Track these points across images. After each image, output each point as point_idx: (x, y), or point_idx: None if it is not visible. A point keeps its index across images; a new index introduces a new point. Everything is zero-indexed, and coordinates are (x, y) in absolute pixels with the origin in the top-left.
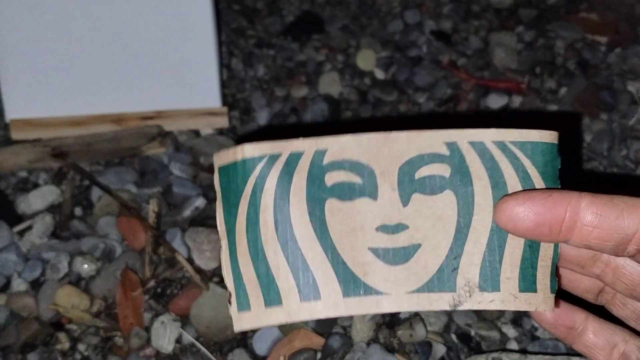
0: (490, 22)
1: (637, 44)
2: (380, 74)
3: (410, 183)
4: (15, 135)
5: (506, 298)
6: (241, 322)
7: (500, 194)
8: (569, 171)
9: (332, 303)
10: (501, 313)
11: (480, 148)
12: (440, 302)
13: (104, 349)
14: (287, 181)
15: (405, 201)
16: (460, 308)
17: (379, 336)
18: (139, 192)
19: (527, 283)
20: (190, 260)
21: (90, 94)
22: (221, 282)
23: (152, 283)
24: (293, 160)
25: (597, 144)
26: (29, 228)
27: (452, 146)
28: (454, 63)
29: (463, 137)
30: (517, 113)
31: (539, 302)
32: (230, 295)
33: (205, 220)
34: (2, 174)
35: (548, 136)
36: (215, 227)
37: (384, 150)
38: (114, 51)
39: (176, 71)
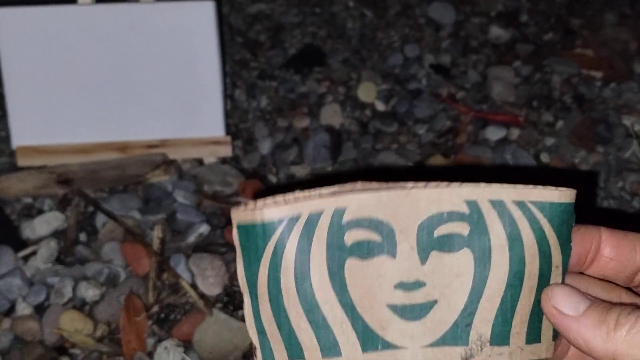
0: (488, 56)
1: (631, 80)
2: (380, 106)
3: (428, 240)
4: (21, 161)
5: (514, 351)
6: None
7: (517, 253)
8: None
9: (351, 359)
10: None
11: (500, 207)
12: (453, 355)
13: None
14: (307, 242)
15: (423, 259)
16: None
17: None
18: (143, 219)
19: (533, 335)
20: (194, 286)
21: (95, 122)
22: (225, 308)
23: (155, 308)
24: (313, 221)
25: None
26: (34, 253)
27: (472, 204)
28: (453, 96)
29: (483, 195)
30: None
31: (542, 351)
32: (255, 348)
33: (209, 246)
34: (8, 200)
35: (567, 196)
36: (219, 253)
37: (403, 207)
38: (120, 80)
39: (181, 100)
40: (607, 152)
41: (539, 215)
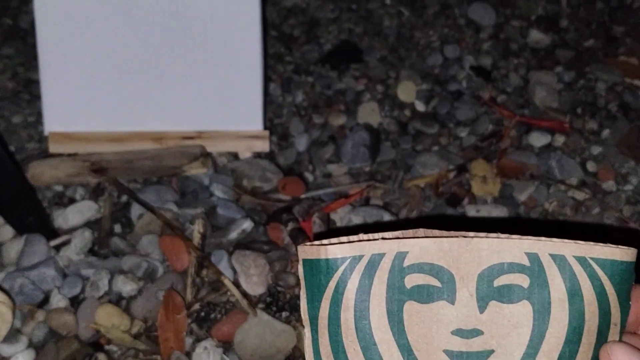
0: (528, 60)
1: None
2: (420, 106)
3: (488, 290)
4: (52, 148)
5: None
6: None
7: (577, 308)
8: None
9: None
10: None
11: (560, 261)
12: None
13: None
14: (369, 282)
15: (482, 308)
16: None
17: None
18: (180, 212)
19: None
20: (236, 284)
21: (131, 110)
22: (267, 309)
23: (196, 306)
24: (375, 262)
25: None
26: (66, 243)
27: (532, 257)
28: (494, 99)
29: (545, 248)
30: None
31: None
32: None
33: (251, 243)
34: (38, 187)
35: (628, 255)
36: (263, 251)
37: (464, 255)
38: (158, 69)
39: (220, 92)
40: None
41: (599, 272)
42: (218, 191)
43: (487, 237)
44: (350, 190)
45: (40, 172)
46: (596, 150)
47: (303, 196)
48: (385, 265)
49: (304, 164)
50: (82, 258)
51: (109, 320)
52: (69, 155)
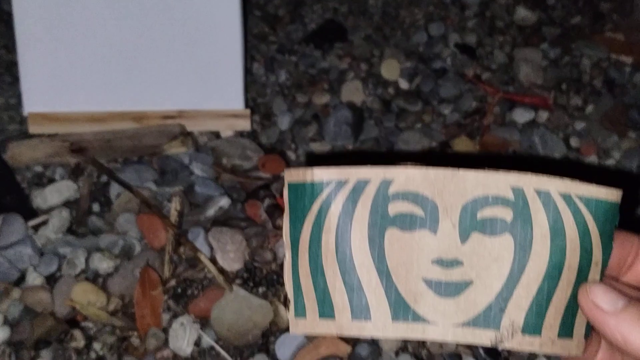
0: (514, 38)
1: None
2: (404, 84)
3: (471, 222)
4: (32, 129)
5: (545, 342)
6: (297, 327)
7: (559, 245)
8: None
9: (381, 325)
10: None
11: (545, 197)
12: (482, 338)
13: (119, 349)
14: (352, 207)
15: (463, 239)
16: (501, 346)
17: (407, 346)
18: (159, 190)
19: (566, 329)
20: (213, 261)
21: (111, 90)
22: (244, 284)
23: (172, 283)
24: (359, 188)
25: (626, 161)
26: (45, 223)
27: (517, 191)
28: (479, 77)
29: (530, 183)
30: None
31: (572, 347)
32: (289, 302)
33: (228, 220)
34: (18, 168)
35: (613, 195)
36: (240, 227)
37: (449, 186)
38: (138, 48)
39: (200, 71)
40: None
41: (584, 210)
42: (197, 170)
43: (474, 170)
44: None
45: (19, 153)
46: (579, 125)
47: (282, 174)
48: (369, 192)
49: (286, 143)
50: (60, 237)
51: (85, 297)
52: (49, 135)
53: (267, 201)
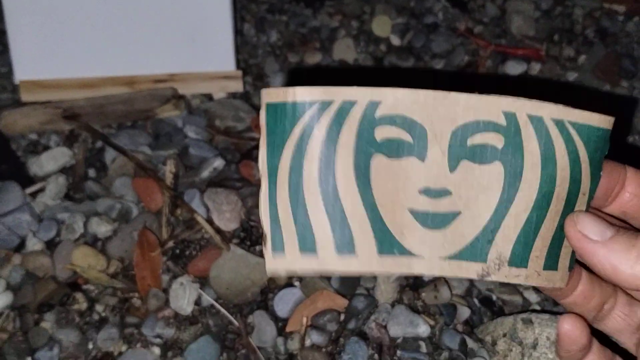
0: None
1: None
2: (396, 41)
3: (461, 148)
4: (25, 97)
5: (531, 275)
6: (274, 264)
7: (549, 173)
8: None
9: (366, 259)
10: None
11: (538, 123)
12: (469, 271)
13: (121, 310)
14: (336, 131)
15: (452, 167)
16: (487, 279)
17: (403, 297)
18: (154, 154)
19: (551, 262)
20: (209, 221)
21: (101, 55)
22: (241, 243)
23: (170, 244)
24: (345, 109)
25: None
26: (42, 190)
27: (509, 116)
28: (471, 30)
29: (523, 108)
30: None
31: (556, 279)
32: (265, 236)
33: (223, 181)
34: (12, 136)
35: (606, 121)
36: (235, 188)
37: (439, 110)
38: (126, 12)
39: (190, 33)
40: (632, 86)
41: (575, 137)
42: (191, 132)
43: (465, 93)
44: None
45: (12, 121)
46: (572, 76)
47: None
48: (355, 114)
49: None
50: (57, 203)
51: (85, 260)
52: (42, 103)
53: None
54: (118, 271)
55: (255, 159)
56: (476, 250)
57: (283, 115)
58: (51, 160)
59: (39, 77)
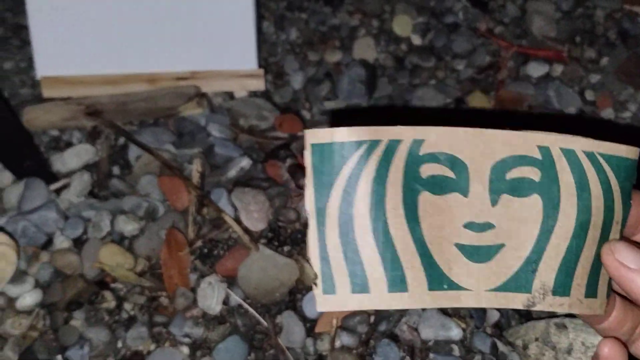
0: None
1: None
2: (417, 40)
3: (500, 183)
4: (46, 92)
5: (574, 303)
6: (326, 304)
7: (585, 203)
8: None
9: (418, 296)
10: None
11: (570, 155)
12: (515, 301)
13: (149, 309)
14: (385, 169)
15: (494, 201)
16: (533, 309)
17: None
18: (178, 152)
19: (591, 289)
20: (237, 221)
21: (123, 52)
22: (269, 244)
23: (198, 243)
24: (392, 148)
25: None
26: (66, 186)
27: (544, 150)
28: (491, 31)
29: (556, 142)
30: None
31: (596, 307)
32: (316, 277)
33: (250, 181)
34: (34, 132)
35: (633, 152)
36: (262, 187)
37: (479, 146)
38: (149, 9)
39: (213, 31)
40: None
41: (606, 167)
42: (215, 131)
43: (501, 130)
44: None
45: (34, 117)
46: (595, 78)
47: (300, 133)
48: (401, 153)
49: (300, 102)
50: (82, 200)
51: (112, 259)
52: (63, 99)
53: (288, 161)
54: (145, 270)
55: (282, 159)
56: (521, 280)
57: (330, 156)
58: (74, 157)
59: (60, 73)
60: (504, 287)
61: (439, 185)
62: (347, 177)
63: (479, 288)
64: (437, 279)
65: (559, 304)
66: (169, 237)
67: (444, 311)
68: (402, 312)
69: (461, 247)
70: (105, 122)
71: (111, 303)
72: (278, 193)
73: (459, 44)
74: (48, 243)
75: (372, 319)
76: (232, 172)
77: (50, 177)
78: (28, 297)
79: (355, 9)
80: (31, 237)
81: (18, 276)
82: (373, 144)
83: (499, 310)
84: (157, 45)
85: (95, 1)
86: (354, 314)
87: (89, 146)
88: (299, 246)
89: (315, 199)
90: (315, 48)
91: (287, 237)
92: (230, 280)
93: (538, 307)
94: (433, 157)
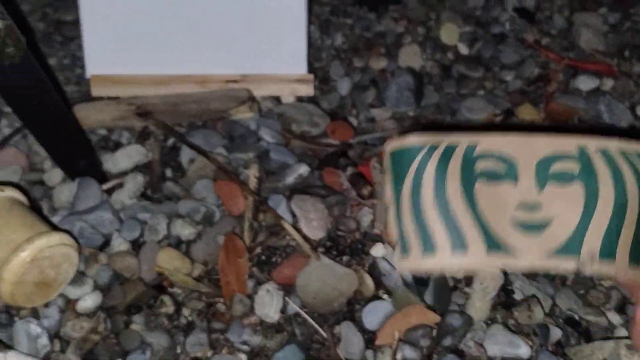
0: (570, 1)
1: None
2: (464, 49)
3: (545, 174)
4: (95, 91)
5: (619, 267)
6: (402, 265)
7: (620, 191)
8: None
9: (477, 256)
10: (607, 299)
11: (605, 153)
12: (567, 265)
13: (207, 315)
14: (444, 165)
15: (541, 187)
16: (583, 271)
17: (496, 316)
18: (232, 157)
19: (634, 258)
20: (296, 229)
21: (174, 53)
22: (327, 253)
23: (258, 250)
24: (449, 151)
25: None
26: (118, 187)
27: (582, 149)
28: (539, 42)
29: (592, 143)
30: None
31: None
32: (396, 244)
33: (307, 188)
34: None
35: None
36: (320, 195)
37: (525, 147)
38: (202, 11)
39: (264, 35)
40: None
41: (637, 162)
42: (267, 135)
43: (545, 135)
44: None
45: (85, 116)
46: None
47: (353, 141)
48: (458, 154)
49: (347, 108)
50: (134, 202)
51: (171, 263)
52: (114, 98)
53: (349, 170)
54: (202, 275)
55: (342, 168)
56: (570, 248)
57: (402, 157)
58: (126, 158)
59: (110, 72)
60: (556, 253)
61: (492, 177)
62: (415, 171)
63: (533, 254)
64: (494, 244)
65: (606, 267)
66: (228, 243)
67: (509, 328)
68: (467, 328)
69: (514, 223)
70: (158, 123)
71: (170, 308)
72: (337, 201)
73: (507, 55)
74: (104, 244)
75: (434, 332)
76: (290, 179)
77: (100, 176)
78: (89, 299)
79: (400, 16)
80: (88, 238)
81: (77, 277)
82: (433, 148)
83: (560, 327)
84: (208, 48)
85: (148, 2)
86: (415, 327)
87: (139, 147)
88: (358, 256)
89: (393, 191)
90: (360, 54)
91: (347, 246)
92: (287, 288)
93: (588, 270)
94: (486, 155)
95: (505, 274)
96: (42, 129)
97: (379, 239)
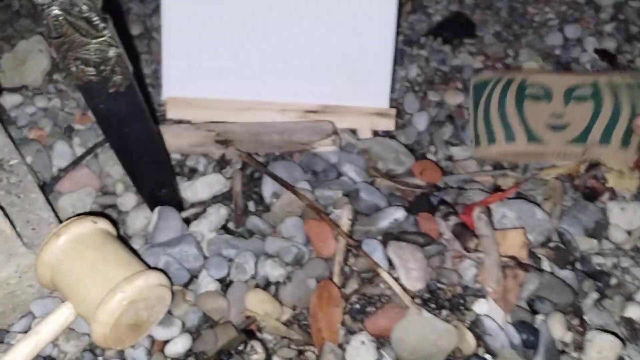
0: None
1: None
2: None
3: (569, 97)
4: (170, 114)
5: (613, 148)
6: (477, 152)
7: (619, 105)
8: None
9: (522, 145)
10: None
11: (610, 84)
12: (577, 149)
13: None
14: (505, 90)
15: (566, 103)
16: (590, 150)
17: None
18: (318, 193)
19: (625, 142)
20: (393, 277)
21: (253, 79)
22: (424, 305)
23: (354, 298)
24: (509, 82)
25: None
26: (195, 216)
27: (595, 83)
28: None
29: (601, 78)
30: None
31: (629, 155)
32: (476, 136)
33: (402, 234)
34: None
35: None
36: (418, 243)
37: (557, 82)
38: (284, 39)
39: (347, 65)
40: None
41: (637, 90)
42: (351, 172)
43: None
44: (476, 176)
45: None
46: None
47: (439, 183)
48: (515, 84)
49: (424, 145)
50: (215, 235)
51: (261, 306)
52: (192, 123)
53: (452, 219)
54: (290, 319)
55: (443, 217)
56: (581, 139)
57: (480, 88)
58: (206, 187)
59: (185, 95)
60: (572, 141)
61: (535, 97)
62: (486, 95)
63: (556, 143)
64: (533, 137)
65: (603, 148)
66: (322, 288)
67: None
68: None
69: (547, 125)
70: (240, 152)
71: (261, 355)
72: (437, 252)
73: None
74: (189, 281)
75: None
76: (384, 223)
77: (177, 205)
78: (179, 342)
79: (477, 50)
80: (174, 274)
81: (165, 318)
82: (500, 80)
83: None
84: (289, 76)
85: (230, 27)
86: None
87: (219, 176)
88: (459, 311)
89: (473, 108)
90: (435, 88)
91: (446, 300)
92: (382, 340)
93: (591, 152)
94: (533, 85)
95: (623, 342)
96: (133, 158)
97: (481, 294)
